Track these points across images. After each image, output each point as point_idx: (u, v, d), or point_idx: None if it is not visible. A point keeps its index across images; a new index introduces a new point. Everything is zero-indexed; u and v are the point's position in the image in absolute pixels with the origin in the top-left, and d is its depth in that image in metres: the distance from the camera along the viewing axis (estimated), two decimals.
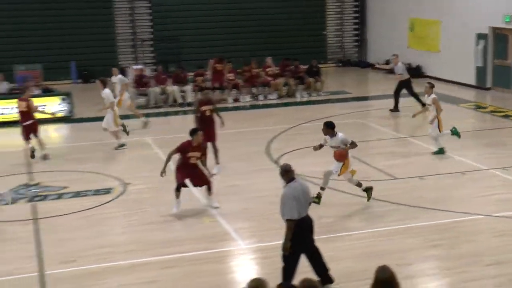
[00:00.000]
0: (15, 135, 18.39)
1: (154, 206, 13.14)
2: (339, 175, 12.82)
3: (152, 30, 31.86)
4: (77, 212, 13.25)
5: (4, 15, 29.54)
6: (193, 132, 12.71)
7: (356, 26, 34.52)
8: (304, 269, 9.14)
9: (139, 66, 27.22)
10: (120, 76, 21.54)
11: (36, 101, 22.31)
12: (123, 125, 18.87)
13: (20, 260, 11.03)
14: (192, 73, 25.53)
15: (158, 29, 31.63)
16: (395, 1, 31.10)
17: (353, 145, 12.50)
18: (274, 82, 25.50)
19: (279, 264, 9.17)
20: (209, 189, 12.99)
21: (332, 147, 12.64)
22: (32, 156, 17.25)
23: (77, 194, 14.42)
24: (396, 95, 21.92)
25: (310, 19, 33.33)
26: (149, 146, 18.36)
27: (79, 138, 19.56)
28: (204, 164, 13.12)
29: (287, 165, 9.33)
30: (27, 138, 17.40)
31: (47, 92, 24.15)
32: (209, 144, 15.38)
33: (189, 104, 24.12)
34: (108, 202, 13.84)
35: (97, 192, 14.49)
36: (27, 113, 17.52)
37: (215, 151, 15.72)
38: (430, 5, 28.55)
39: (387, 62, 26.95)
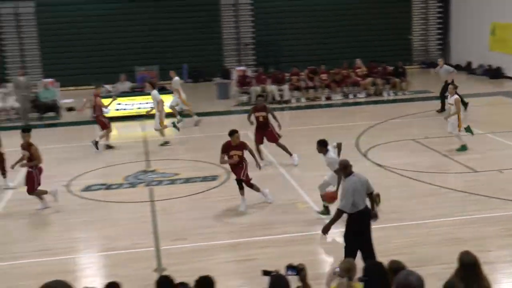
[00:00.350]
0: (136, 127, 18.96)
1: (254, 192, 13.22)
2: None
3: (254, 35, 32.06)
4: (187, 196, 13.51)
5: (128, 24, 30.40)
6: (230, 134, 12.47)
7: (440, 31, 33.60)
8: (389, 252, 9.01)
9: (242, 68, 27.45)
10: (176, 78, 21.51)
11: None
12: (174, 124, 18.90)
13: (139, 236, 11.33)
14: (288, 74, 25.58)
15: (259, 34, 31.78)
16: (478, 6, 29.99)
17: (339, 174, 10.79)
18: (363, 82, 25.23)
19: None
20: (250, 186, 12.56)
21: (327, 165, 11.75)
22: (98, 146, 17.94)
23: (187, 180, 14.69)
24: (442, 95, 20.85)
25: (397, 24, 32.68)
26: (250, 139, 18.45)
27: (189, 131, 19.90)
28: (260, 157, 12.51)
29: (346, 161, 9.20)
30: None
31: (162, 90, 24.65)
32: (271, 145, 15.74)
33: (286, 102, 24.22)
34: (214, 188, 14.04)
35: (204, 179, 14.71)
36: (93, 107, 18.34)
37: (283, 149, 15.65)
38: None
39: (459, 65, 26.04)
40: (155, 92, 18.35)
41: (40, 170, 12.89)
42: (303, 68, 26.05)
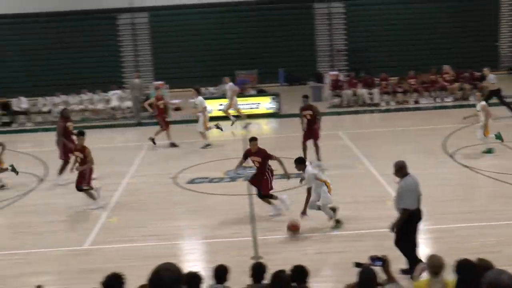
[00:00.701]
0: (236, 126, 19.14)
1: (344, 189, 13.03)
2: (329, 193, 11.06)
3: (346, 42, 31.72)
4: (280, 191, 13.42)
5: (230, 31, 30.80)
6: (250, 140, 12.18)
7: None
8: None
9: (334, 72, 27.21)
10: (230, 83, 21.32)
11: (252, 100, 23.23)
12: (217, 126, 18.65)
13: (237, 226, 11.43)
14: (378, 79, 25.12)
15: (352, 41, 31.42)
16: None
17: (309, 193, 10.82)
18: (450, 86, 24.47)
19: (450, 244, 8.78)
20: (268, 197, 12.03)
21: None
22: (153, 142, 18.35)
23: (281, 177, 14.58)
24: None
25: (484, 30, 31.40)
26: (341, 139, 18.26)
27: (285, 130, 19.91)
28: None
29: (402, 162, 8.90)
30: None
31: (261, 93, 24.83)
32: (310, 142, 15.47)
33: (375, 105, 23.79)
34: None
35: (298, 175, 14.50)
36: (155, 108, 18.78)
37: (316, 148, 15.40)
38: None
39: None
40: (200, 98, 18.52)
41: (90, 171, 12.98)
42: (392, 73, 25.52)
